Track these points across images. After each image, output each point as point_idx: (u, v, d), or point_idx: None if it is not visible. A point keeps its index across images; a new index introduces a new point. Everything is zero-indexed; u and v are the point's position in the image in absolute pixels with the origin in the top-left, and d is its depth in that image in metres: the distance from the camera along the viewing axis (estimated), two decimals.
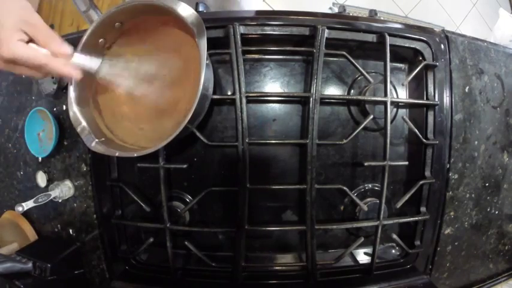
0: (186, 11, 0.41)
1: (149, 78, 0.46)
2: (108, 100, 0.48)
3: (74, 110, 0.45)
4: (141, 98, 0.47)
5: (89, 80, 0.46)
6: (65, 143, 0.57)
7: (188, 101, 0.42)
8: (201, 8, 0.51)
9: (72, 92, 0.45)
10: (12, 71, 0.37)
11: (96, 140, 0.44)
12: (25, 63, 0.36)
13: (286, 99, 0.52)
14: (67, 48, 0.38)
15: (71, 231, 0.59)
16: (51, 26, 0.57)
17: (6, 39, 0.34)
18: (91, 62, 0.43)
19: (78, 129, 0.45)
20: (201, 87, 0.39)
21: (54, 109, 0.58)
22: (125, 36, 0.47)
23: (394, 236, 0.54)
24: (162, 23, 0.45)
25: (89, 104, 0.47)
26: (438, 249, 0.57)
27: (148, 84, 0.46)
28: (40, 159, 0.60)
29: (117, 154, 0.43)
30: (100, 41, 0.45)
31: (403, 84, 0.54)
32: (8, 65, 0.36)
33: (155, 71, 0.46)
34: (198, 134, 0.47)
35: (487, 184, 0.59)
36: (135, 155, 0.41)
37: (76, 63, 0.40)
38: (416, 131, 0.51)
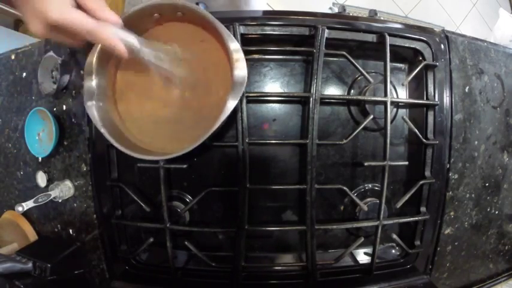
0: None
1: (177, 78, 0.45)
2: (129, 98, 0.47)
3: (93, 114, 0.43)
4: (164, 98, 0.46)
5: (110, 75, 0.46)
6: (65, 143, 0.57)
7: (215, 106, 0.42)
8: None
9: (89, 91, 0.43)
10: (52, 37, 0.36)
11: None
12: (71, 28, 0.34)
13: (286, 99, 0.52)
14: (116, 17, 0.36)
15: (71, 231, 0.59)
16: None
17: (58, 1, 0.33)
18: (134, 39, 0.38)
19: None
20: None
21: (54, 109, 0.58)
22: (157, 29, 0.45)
23: (394, 236, 0.54)
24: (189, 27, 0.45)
25: (107, 102, 0.46)
26: (438, 249, 0.57)
27: (174, 83, 0.45)
28: (40, 159, 0.60)
29: (134, 155, 0.41)
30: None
31: (403, 84, 0.54)
32: (50, 32, 0.35)
33: (183, 72, 0.45)
34: None
35: (487, 184, 0.59)
36: (161, 158, 0.41)
37: (121, 36, 0.37)
38: (416, 131, 0.51)
